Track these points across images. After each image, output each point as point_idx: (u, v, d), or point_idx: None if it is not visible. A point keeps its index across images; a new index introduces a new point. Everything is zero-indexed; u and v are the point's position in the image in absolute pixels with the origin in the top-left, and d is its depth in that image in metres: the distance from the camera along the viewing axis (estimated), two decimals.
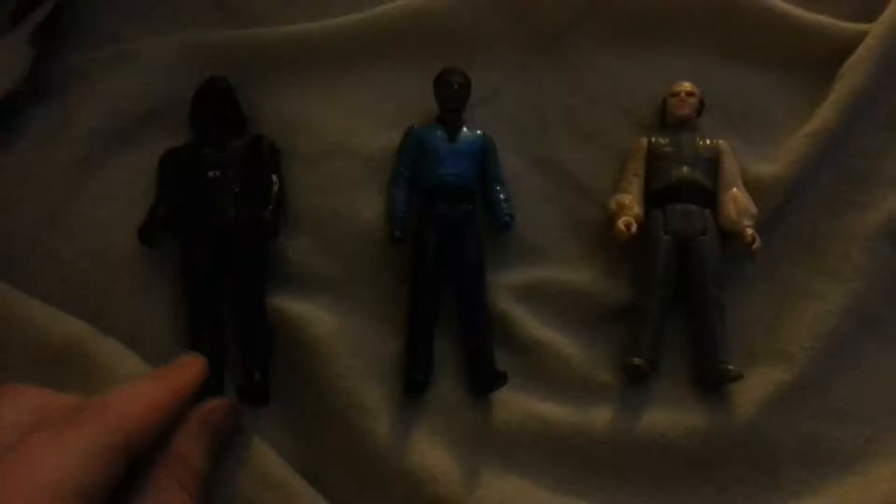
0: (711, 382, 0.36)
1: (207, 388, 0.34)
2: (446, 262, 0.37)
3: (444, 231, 0.37)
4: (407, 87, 0.42)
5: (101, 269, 0.37)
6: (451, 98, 0.39)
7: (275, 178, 0.38)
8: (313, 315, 0.37)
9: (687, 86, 0.40)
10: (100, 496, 0.24)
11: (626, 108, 0.42)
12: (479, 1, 0.42)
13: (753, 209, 0.38)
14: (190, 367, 0.32)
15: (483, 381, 0.36)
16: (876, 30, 0.41)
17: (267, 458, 0.33)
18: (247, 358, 0.36)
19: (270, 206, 0.37)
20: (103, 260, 0.37)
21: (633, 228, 0.37)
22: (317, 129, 0.41)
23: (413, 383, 0.36)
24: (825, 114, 0.40)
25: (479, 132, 0.39)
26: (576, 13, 0.43)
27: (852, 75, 0.40)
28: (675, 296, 0.38)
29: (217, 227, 0.37)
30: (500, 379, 0.36)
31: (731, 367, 0.35)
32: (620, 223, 0.37)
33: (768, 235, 0.39)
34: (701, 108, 0.40)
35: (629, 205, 0.38)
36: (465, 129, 0.39)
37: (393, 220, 0.38)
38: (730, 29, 0.42)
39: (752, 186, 0.39)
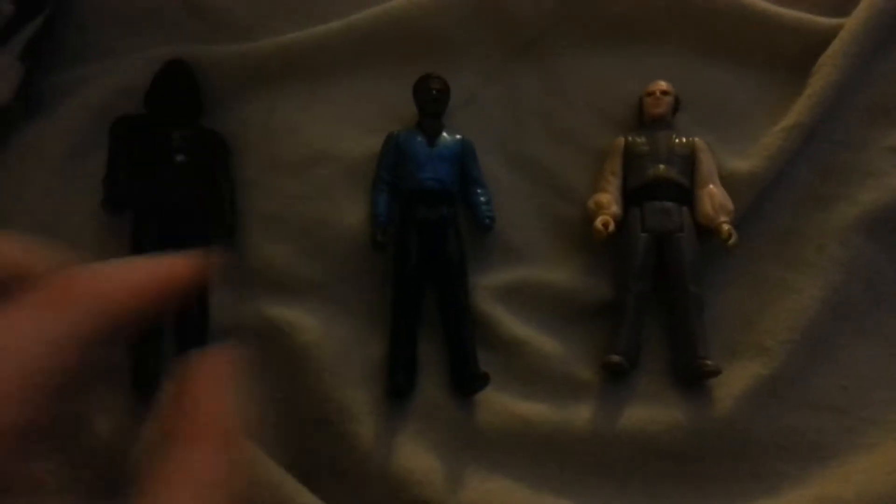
0: (690, 378, 0.36)
1: (145, 368, 0.35)
2: (428, 265, 0.38)
3: (425, 234, 0.38)
4: (388, 94, 0.42)
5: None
6: (431, 104, 0.40)
7: (230, 179, 0.40)
8: (299, 321, 0.37)
9: (662, 85, 0.40)
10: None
11: (601, 108, 0.42)
12: (456, 8, 0.43)
13: (730, 205, 0.38)
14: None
15: (466, 382, 0.37)
16: (849, 24, 0.41)
17: (259, 457, 0.34)
18: (185, 344, 0.37)
19: (232, 211, 0.39)
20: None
21: (611, 227, 0.38)
22: (301, 137, 0.42)
23: (395, 387, 0.36)
24: (800, 108, 0.40)
25: (458, 136, 0.40)
26: (551, 18, 0.43)
27: (826, 70, 0.40)
28: (654, 292, 0.38)
29: (171, 209, 0.38)
30: (482, 380, 0.36)
31: (709, 362, 0.36)
32: (598, 222, 0.38)
33: (746, 230, 0.39)
34: (677, 106, 0.41)
35: (607, 204, 0.38)
36: (444, 133, 0.40)
37: (375, 225, 0.38)
38: (705, 27, 0.43)
39: (729, 182, 0.39)
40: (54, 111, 0.42)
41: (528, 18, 0.43)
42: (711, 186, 0.39)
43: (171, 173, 0.38)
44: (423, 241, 0.38)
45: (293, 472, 0.35)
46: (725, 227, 0.37)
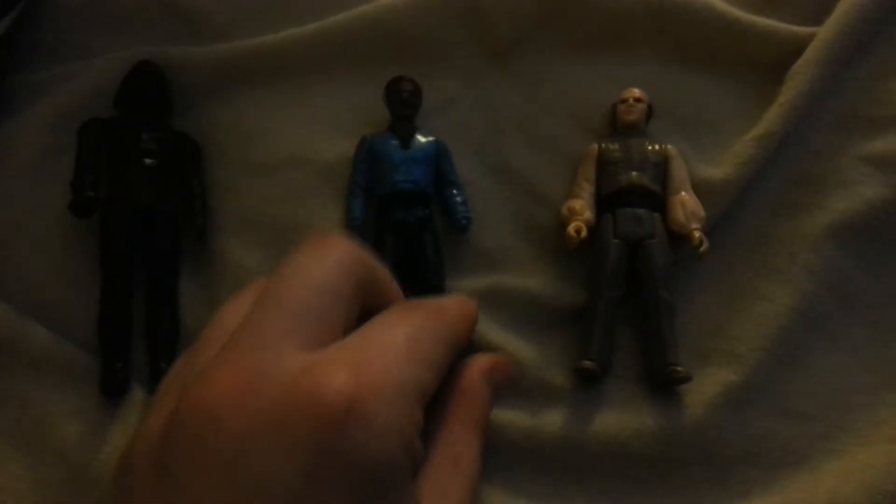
0: (661, 383, 0.36)
1: (114, 373, 0.35)
2: (405, 268, 0.38)
3: (401, 237, 0.38)
4: (363, 97, 0.42)
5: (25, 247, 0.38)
6: (402, 106, 0.40)
7: (201, 181, 0.40)
8: None
9: (635, 92, 0.41)
10: (435, 381, 0.25)
11: (578, 115, 0.42)
12: (434, 14, 0.43)
13: (701, 212, 0.38)
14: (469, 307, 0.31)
15: None
16: (822, 33, 0.41)
17: None
18: (155, 347, 0.37)
19: (203, 213, 0.39)
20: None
21: (583, 233, 0.38)
22: (274, 139, 0.41)
23: None
24: (772, 117, 0.40)
25: (431, 138, 0.40)
26: (528, 24, 0.44)
27: (799, 79, 0.41)
28: (626, 298, 0.38)
29: (140, 212, 0.37)
30: None
31: (679, 368, 0.36)
32: (570, 228, 0.38)
33: (719, 238, 0.40)
34: (650, 114, 0.41)
35: (580, 210, 0.38)
36: (417, 135, 0.40)
37: (350, 229, 0.38)
38: (680, 36, 0.43)
39: (701, 189, 0.39)
40: (25, 111, 0.41)
41: (507, 25, 0.44)
42: (683, 193, 0.39)
43: (141, 176, 0.38)
44: (399, 244, 0.38)
45: None
46: (696, 233, 0.37)
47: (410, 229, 0.38)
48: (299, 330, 0.24)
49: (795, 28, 0.43)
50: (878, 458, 0.34)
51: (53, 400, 0.35)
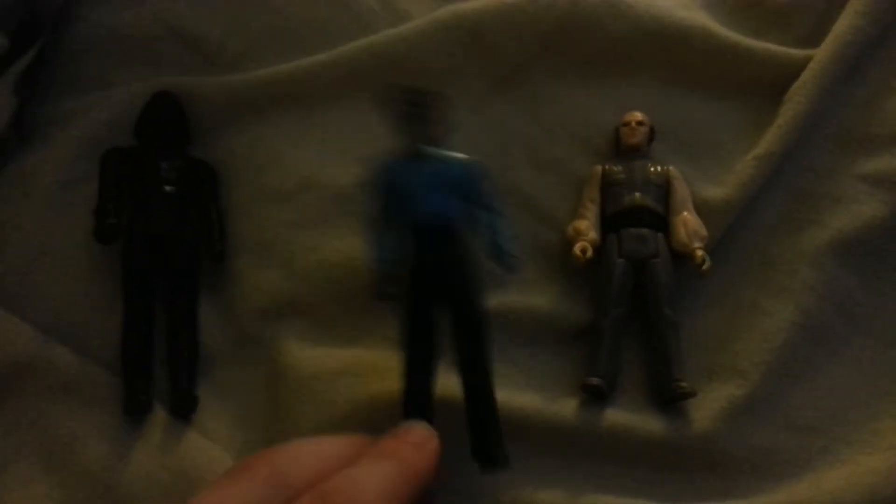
0: (666, 399, 0.37)
1: (137, 394, 0.36)
2: (442, 297, 0.33)
3: (435, 271, 0.32)
4: (374, 123, 0.43)
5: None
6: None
7: (218, 206, 0.41)
8: (286, 346, 0.39)
9: (637, 115, 0.42)
10: None
11: (582, 137, 0.44)
12: (439, 41, 0.44)
13: (703, 231, 0.39)
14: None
15: (491, 458, 0.32)
16: (819, 56, 0.43)
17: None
18: (175, 368, 0.38)
19: (221, 238, 0.40)
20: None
21: (589, 253, 0.39)
22: (288, 165, 0.43)
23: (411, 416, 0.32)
24: (771, 138, 0.41)
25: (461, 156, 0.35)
26: (532, 50, 0.45)
27: (797, 100, 0.42)
28: (631, 317, 0.39)
29: (160, 238, 0.39)
30: (504, 461, 0.32)
31: (684, 384, 0.37)
32: (576, 248, 0.39)
33: (721, 255, 0.41)
34: (652, 136, 0.42)
35: (585, 230, 0.40)
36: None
37: (379, 271, 0.33)
38: (679, 59, 0.44)
39: (703, 209, 0.40)
40: (47, 142, 0.43)
41: (511, 52, 0.45)
42: (685, 213, 0.40)
43: (161, 203, 0.39)
44: (431, 279, 0.32)
45: None
46: (699, 252, 0.39)
47: (444, 265, 0.32)
48: None
49: (792, 51, 0.44)
50: (880, 465, 0.35)
51: (78, 420, 0.37)
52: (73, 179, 0.42)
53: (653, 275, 0.39)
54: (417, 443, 0.29)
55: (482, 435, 0.32)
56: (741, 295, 0.40)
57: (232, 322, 0.40)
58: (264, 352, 0.39)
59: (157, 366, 0.38)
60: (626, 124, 0.42)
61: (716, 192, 0.41)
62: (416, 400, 0.32)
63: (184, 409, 0.37)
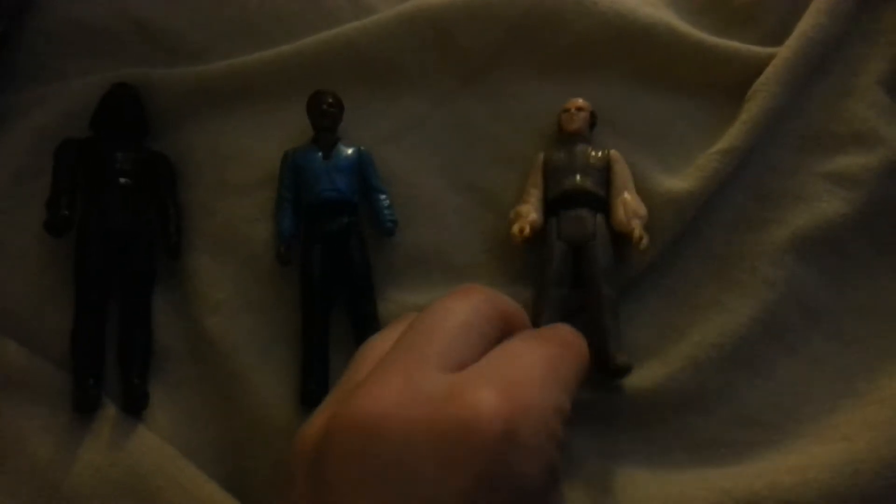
0: (604, 374, 0.37)
1: (86, 390, 0.35)
2: (334, 276, 0.39)
3: (328, 244, 0.39)
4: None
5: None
6: (323, 118, 0.41)
7: (175, 200, 0.41)
8: (241, 342, 0.38)
9: (578, 101, 0.42)
10: (570, 406, 0.27)
11: (546, 134, 0.43)
12: (404, 35, 0.44)
13: (642, 210, 0.40)
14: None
15: None
16: (783, 52, 0.43)
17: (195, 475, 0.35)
18: (127, 364, 0.37)
19: (177, 232, 0.40)
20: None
21: (527, 231, 0.39)
22: (248, 159, 0.42)
23: (308, 395, 0.37)
24: (735, 133, 0.41)
25: (353, 147, 0.41)
26: (497, 46, 0.45)
27: (761, 96, 0.42)
28: (573, 298, 0.39)
29: (115, 231, 0.38)
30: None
31: (619, 356, 0.37)
32: (515, 228, 0.39)
33: (682, 251, 0.41)
34: (593, 121, 0.43)
35: (525, 213, 0.40)
36: (340, 146, 0.41)
37: (279, 241, 0.39)
38: (644, 57, 0.44)
39: (666, 201, 0.40)
40: (2, 133, 0.42)
41: (475, 47, 0.45)
42: (626, 194, 0.40)
43: (116, 195, 0.39)
44: (326, 253, 0.39)
45: (229, 490, 0.35)
46: (637, 230, 0.39)
47: (336, 237, 0.39)
48: (446, 354, 0.25)
49: (757, 48, 0.44)
50: (834, 457, 0.34)
51: (25, 415, 0.36)
52: (27, 171, 0.41)
53: (592, 256, 0.39)
54: (570, 333, 0.30)
55: None
56: (701, 291, 0.40)
57: (186, 318, 0.39)
58: (218, 349, 0.38)
59: (108, 361, 0.38)
60: (566, 111, 0.42)
61: (679, 184, 0.41)
62: (314, 365, 0.38)
63: (135, 406, 0.37)
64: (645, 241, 0.38)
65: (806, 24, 0.43)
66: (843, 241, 0.41)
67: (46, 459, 0.35)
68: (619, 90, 0.44)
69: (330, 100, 0.41)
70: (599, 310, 0.38)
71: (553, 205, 0.41)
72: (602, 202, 0.40)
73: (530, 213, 0.40)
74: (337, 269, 0.39)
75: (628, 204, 0.40)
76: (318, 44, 0.44)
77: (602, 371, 0.37)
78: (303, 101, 0.43)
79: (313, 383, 0.37)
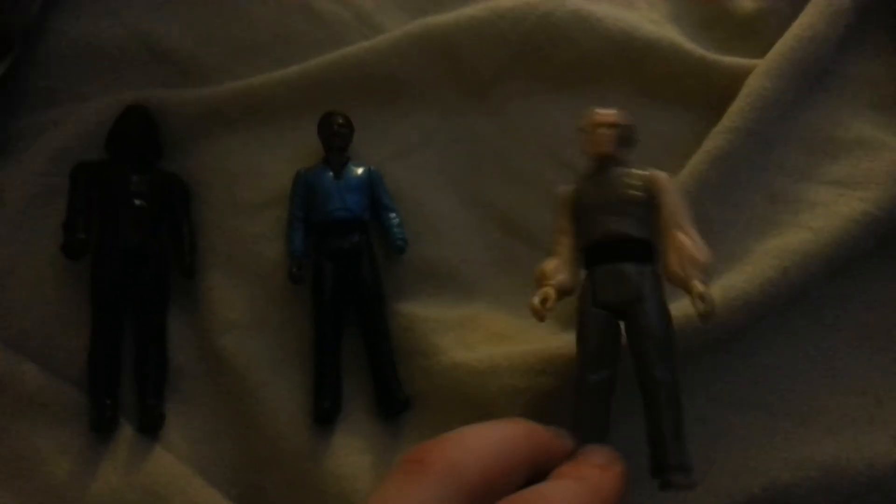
0: (660, 485, 0.29)
1: (103, 411, 0.36)
2: (345, 294, 0.40)
3: (339, 262, 0.40)
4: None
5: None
6: (333, 138, 0.42)
7: (189, 220, 0.41)
8: (255, 361, 0.39)
9: (596, 117, 0.33)
10: None
11: (552, 148, 0.44)
12: (412, 55, 0.45)
13: (703, 257, 0.29)
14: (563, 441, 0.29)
15: (389, 405, 0.38)
16: (777, 47, 0.42)
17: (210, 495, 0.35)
18: (143, 384, 0.38)
19: (191, 252, 0.40)
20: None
21: (550, 304, 0.31)
22: (260, 179, 0.43)
23: (322, 413, 0.37)
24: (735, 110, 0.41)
25: (364, 167, 0.42)
26: (503, 63, 0.45)
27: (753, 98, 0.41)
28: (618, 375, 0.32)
29: (130, 252, 0.39)
30: (404, 404, 0.38)
31: (679, 476, 0.28)
32: (535, 300, 0.31)
33: None
34: (628, 137, 0.33)
35: (550, 273, 0.31)
36: (350, 165, 0.42)
37: (291, 260, 0.40)
38: (648, 73, 0.45)
39: None
40: (16, 156, 0.42)
41: (482, 65, 0.45)
42: (679, 235, 0.30)
43: (131, 216, 0.39)
44: (337, 271, 0.40)
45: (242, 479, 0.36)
46: (697, 287, 0.28)
47: (347, 255, 0.40)
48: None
49: (759, 62, 0.44)
50: (817, 449, 0.34)
51: (43, 437, 0.36)
52: (43, 194, 0.41)
53: (638, 327, 0.29)
54: (603, 465, 0.28)
55: (384, 382, 0.39)
56: None
57: (200, 337, 0.40)
58: (232, 367, 0.38)
59: (124, 382, 0.38)
60: (587, 130, 0.33)
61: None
62: (327, 382, 0.38)
63: (151, 426, 0.37)
64: (709, 303, 0.28)
65: (798, 27, 0.42)
66: (849, 244, 0.40)
67: (64, 480, 0.36)
68: (623, 105, 0.44)
69: (340, 121, 0.42)
70: (653, 403, 0.29)
71: (587, 256, 0.31)
72: (648, 248, 0.31)
73: (558, 273, 0.31)
74: (348, 286, 0.40)
75: (684, 249, 0.29)
76: (327, 63, 0.45)
77: (656, 478, 0.29)
78: (312, 121, 0.43)
79: (327, 401, 0.37)
